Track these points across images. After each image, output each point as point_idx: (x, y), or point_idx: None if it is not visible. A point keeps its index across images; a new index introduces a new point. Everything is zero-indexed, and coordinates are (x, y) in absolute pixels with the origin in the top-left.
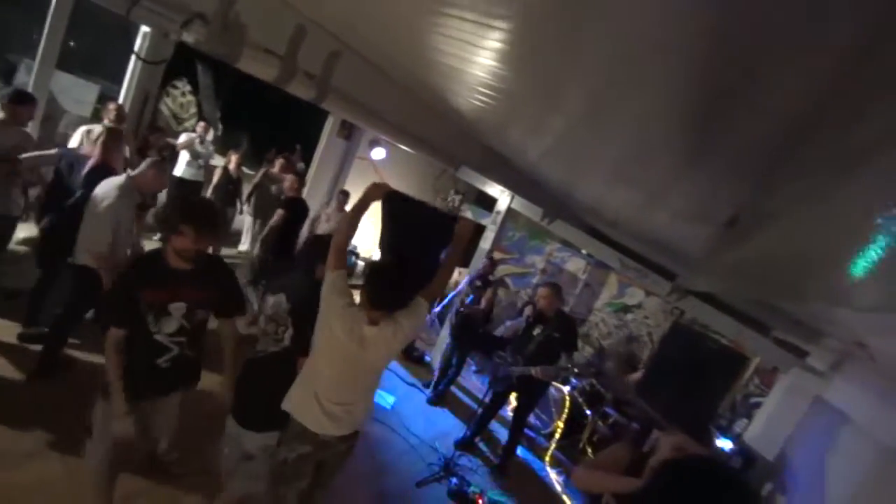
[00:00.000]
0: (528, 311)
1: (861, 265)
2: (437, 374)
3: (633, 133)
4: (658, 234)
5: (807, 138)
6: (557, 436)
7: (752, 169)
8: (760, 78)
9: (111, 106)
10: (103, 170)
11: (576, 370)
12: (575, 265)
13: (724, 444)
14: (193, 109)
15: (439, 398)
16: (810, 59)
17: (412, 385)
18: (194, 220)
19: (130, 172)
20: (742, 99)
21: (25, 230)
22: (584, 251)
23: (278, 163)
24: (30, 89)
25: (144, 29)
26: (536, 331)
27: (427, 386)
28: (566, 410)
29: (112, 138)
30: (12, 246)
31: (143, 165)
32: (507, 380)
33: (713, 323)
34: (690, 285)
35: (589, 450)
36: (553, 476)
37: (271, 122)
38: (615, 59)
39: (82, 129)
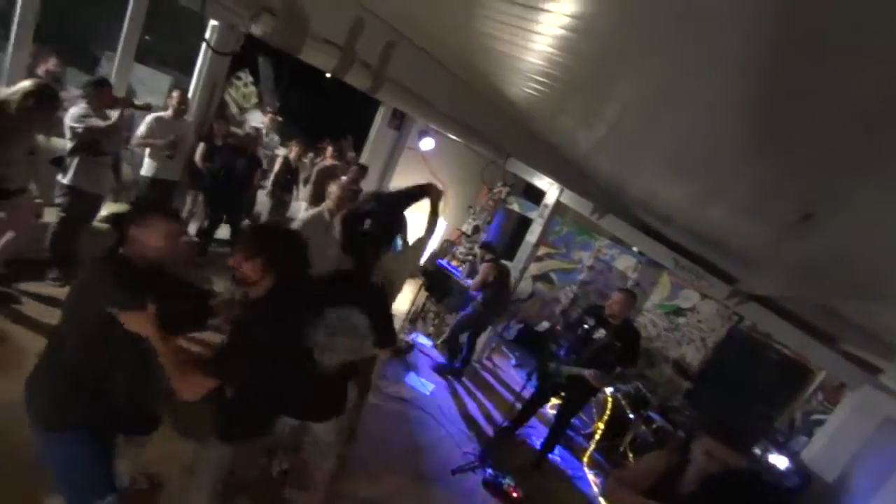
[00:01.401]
0: (590, 321)
1: None
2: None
3: (696, 121)
4: (717, 231)
5: (891, 125)
6: (597, 437)
7: (828, 159)
8: (839, 63)
9: (174, 94)
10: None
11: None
12: (624, 263)
13: (779, 461)
14: (255, 100)
15: (448, 371)
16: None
17: (452, 366)
18: None
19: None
20: (820, 84)
21: (108, 208)
22: (634, 248)
23: (328, 150)
24: (112, 80)
25: (213, 22)
26: (598, 334)
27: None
28: (608, 412)
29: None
30: (95, 223)
31: (332, 190)
32: (555, 377)
33: (775, 332)
34: (753, 289)
35: (630, 455)
36: (590, 478)
37: (326, 112)
38: (682, 40)
39: (151, 116)
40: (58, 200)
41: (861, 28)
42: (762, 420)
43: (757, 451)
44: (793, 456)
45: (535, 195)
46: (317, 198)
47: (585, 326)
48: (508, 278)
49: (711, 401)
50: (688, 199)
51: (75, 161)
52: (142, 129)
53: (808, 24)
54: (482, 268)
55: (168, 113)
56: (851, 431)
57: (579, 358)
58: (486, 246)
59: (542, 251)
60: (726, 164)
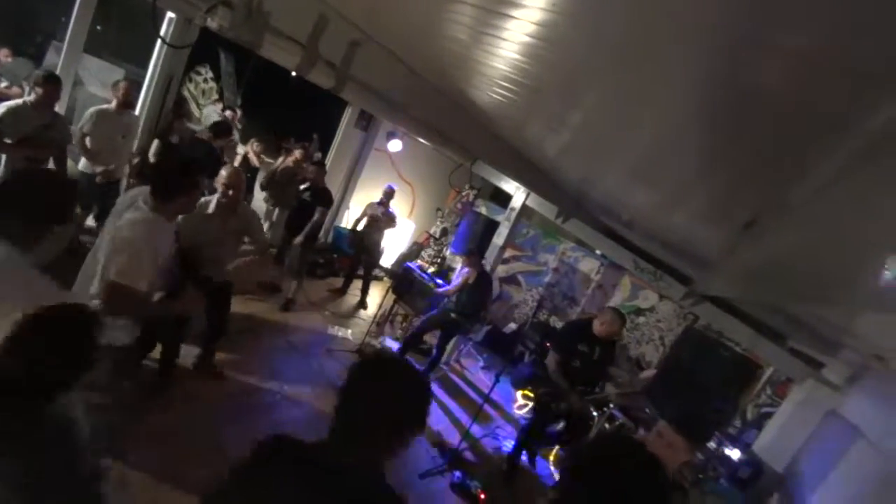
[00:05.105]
0: (583, 346)
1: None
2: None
3: (655, 130)
4: (674, 235)
5: (835, 131)
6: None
7: (775, 166)
8: (785, 74)
9: (120, 85)
10: None
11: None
12: (588, 265)
13: (733, 452)
14: (215, 96)
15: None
16: (834, 55)
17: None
18: None
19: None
20: (766, 96)
21: None
22: (597, 251)
23: (297, 152)
24: (58, 71)
25: (170, 14)
26: (596, 355)
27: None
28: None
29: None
30: None
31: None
32: (571, 411)
33: (727, 330)
34: (706, 290)
35: None
36: (556, 476)
37: (290, 111)
38: (639, 53)
39: (92, 109)
40: None
41: (813, 41)
42: (716, 414)
43: (712, 443)
44: (745, 447)
45: (503, 198)
46: (276, 198)
47: (584, 351)
48: (487, 283)
49: (669, 397)
50: (648, 204)
51: None
52: (85, 123)
53: (763, 38)
54: (465, 271)
55: (112, 105)
56: (798, 423)
57: (585, 382)
58: (471, 252)
59: (508, 253)
60: (683, 172)
